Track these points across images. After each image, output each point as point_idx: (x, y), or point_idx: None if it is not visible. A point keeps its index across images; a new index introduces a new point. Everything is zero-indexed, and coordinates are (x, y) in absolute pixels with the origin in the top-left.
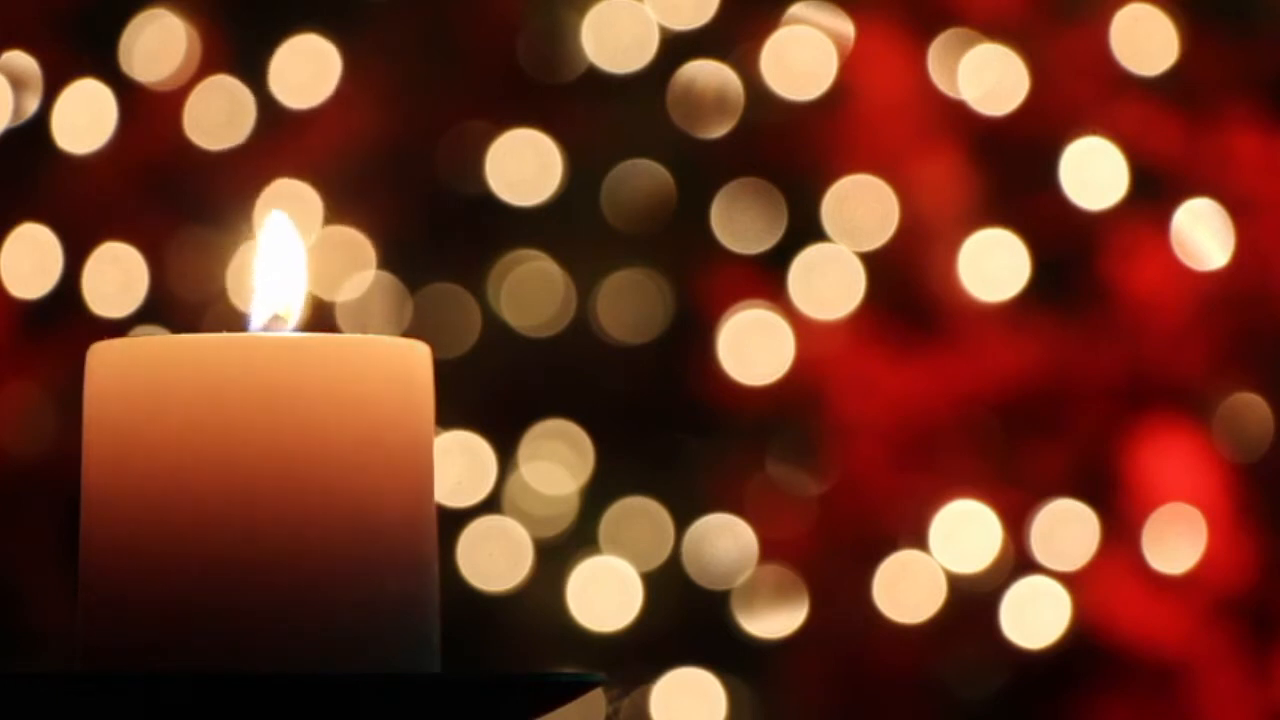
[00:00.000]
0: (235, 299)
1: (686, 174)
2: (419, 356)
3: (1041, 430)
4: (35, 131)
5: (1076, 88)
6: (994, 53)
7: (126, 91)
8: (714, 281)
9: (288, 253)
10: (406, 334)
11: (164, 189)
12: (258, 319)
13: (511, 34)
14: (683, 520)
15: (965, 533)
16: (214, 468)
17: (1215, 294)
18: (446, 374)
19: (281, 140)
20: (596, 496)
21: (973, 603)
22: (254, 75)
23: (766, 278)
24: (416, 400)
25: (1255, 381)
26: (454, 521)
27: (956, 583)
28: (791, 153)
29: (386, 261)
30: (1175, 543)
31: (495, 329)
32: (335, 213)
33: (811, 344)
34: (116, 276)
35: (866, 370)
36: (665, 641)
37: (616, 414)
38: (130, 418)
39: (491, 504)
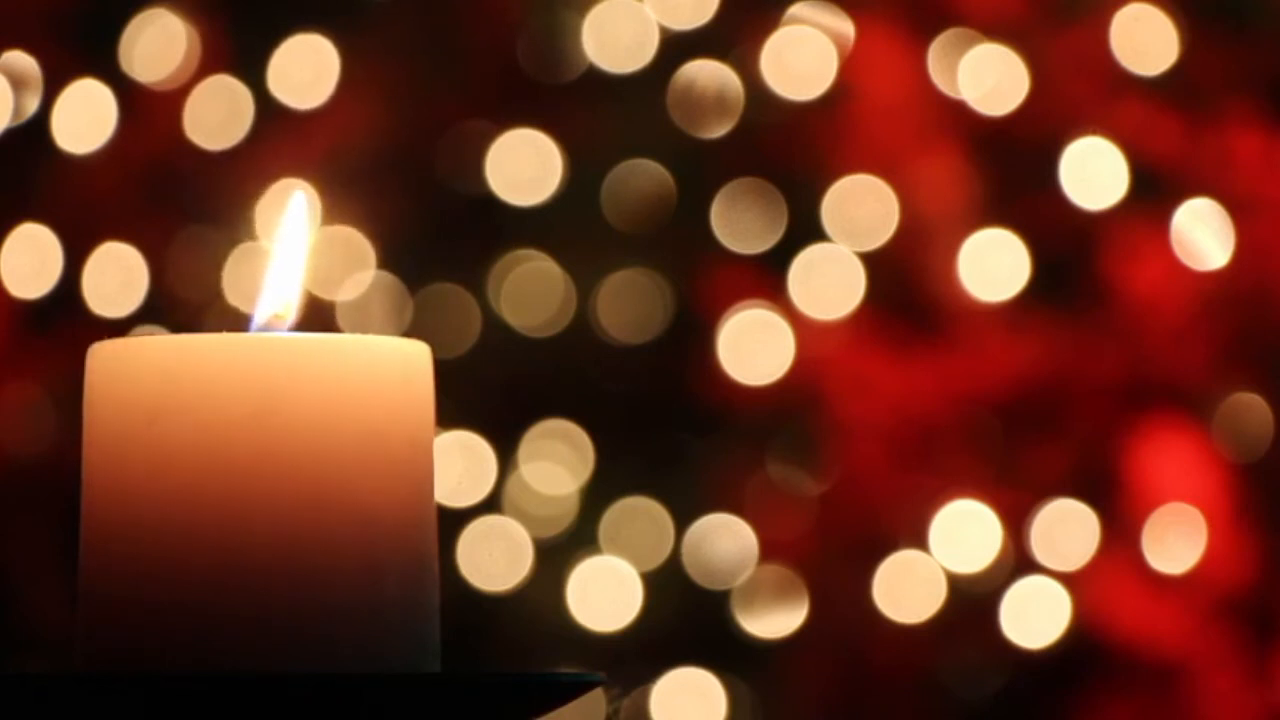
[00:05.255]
0: (235, 299)
1: (686, 174)
2: (419, 356)
3: (1041, 430)
4: (35, 131)
5: (1076, 88)
6: (994, 53)
7: (126, 91)
8: (714, 281)
9: (294, 245)
10: (406, 334)
11: (164, 189)
12: (260, 317)
13: (511, 34)
14: (683, 520)
15: (965, 533)
16: (214, 468)
17: (1215, 294)
18: (446, 374)
19: (281, 140)
20: (596, 496)
21: (973, 603)
22: (254, 75)
23: (766, 278)
24: (416, 400)
25: (1255, 381)
26: (454, 521)
27: (956, 583)
28: (791, 153)
29: (386, 261)
30: (1175, 543)
31: (495, 329)
32: (335, 213)
33: (811, 344)
34: (116, 276)
35: (866, 370)
36: (665, 641)
37: (616, 414)
38: (130, 418)
39: (491, 504)
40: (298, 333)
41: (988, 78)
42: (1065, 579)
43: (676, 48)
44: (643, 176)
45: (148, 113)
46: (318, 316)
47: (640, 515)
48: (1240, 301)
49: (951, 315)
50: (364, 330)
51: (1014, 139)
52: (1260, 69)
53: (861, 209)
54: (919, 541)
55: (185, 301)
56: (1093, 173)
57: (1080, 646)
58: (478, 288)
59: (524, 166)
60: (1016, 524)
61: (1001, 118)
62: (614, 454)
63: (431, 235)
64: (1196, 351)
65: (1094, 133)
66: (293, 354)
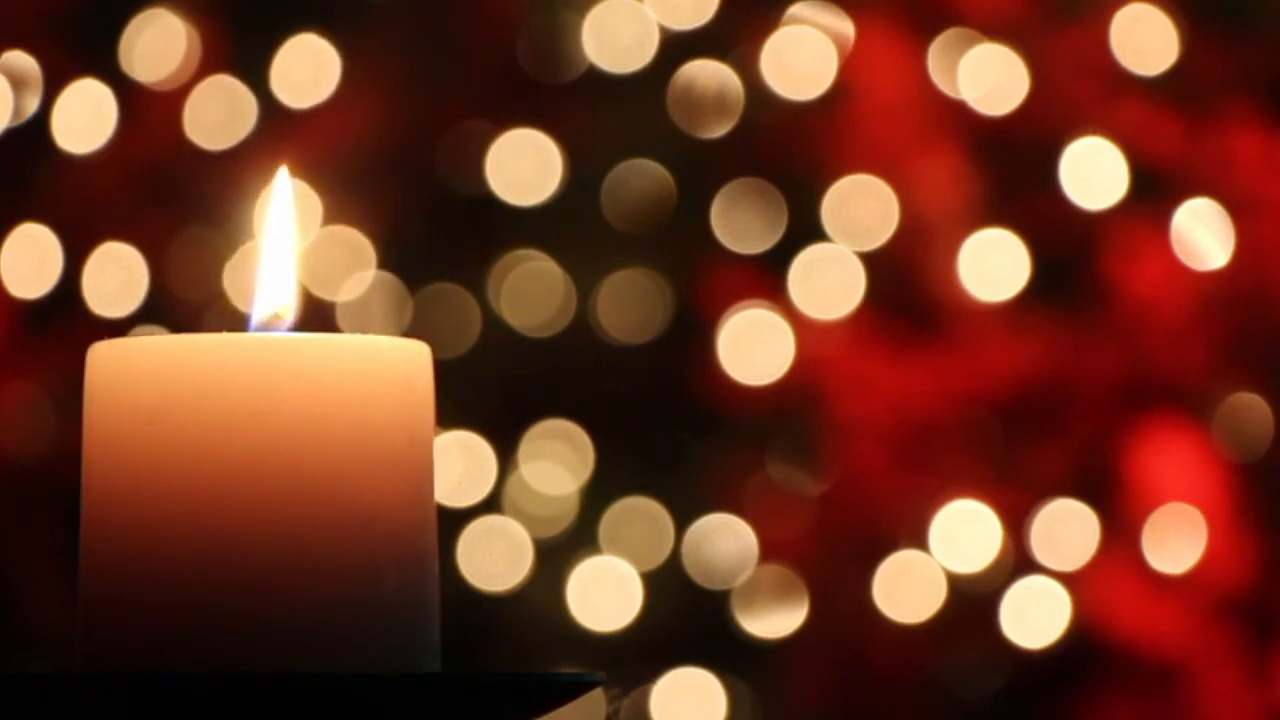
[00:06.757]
0: (235, 299)
1: (686, 174)
2: (419, 356)
3: (1041, 430)
4: (35, 131)
5: (1076, 88)
6: (994, 53)
7: (126, 91)
8: (714, 281)
9: (283, 233)
10: (406, 334)
11: (164, 189)
12: (258, 316)
13: (511, 34)
14: (683, 520)
15: (965, 533)
16: (214, 468)
17: (1215, 294)
18: (446, 374)
19: (281, 140)
20: (596, 496)
21: (973, 603)
22: (254, 75)
23: (766, 278)
24: (416, 400)
25: (1255, 381)
26: (454, 521)
27: (956, 583)
28: (791, 153)
29: (386, 261)
30: (1175, 543)
31: (495, 329)
32: (335, 212)
33: (811, 344)
34: (116, 276)
35: (866, 370)
36: (665, 641)
37: (616, 414)
38: (130, 418)
39: (491, 504)
40: (298, 333)
41: (988, 78)
42: (1065, 579)
43: (676, 48)
44: (643, 176)
45: (148, 113)
46: (318, 316)
47: (640, 515)
48: (1240, 301)
49: (951, 315)
50: (364, 330)
51: (1014, 139)
52: (1260, 69)
53: (861, 209)
54: (919, 541)
55: (185, 301)
56: (1093, 173)
57: (1080, 646)
58: (478, 288)
59: (524, 166)
60: (1016, 524)
61: (1001, 118)
62: (614, 454)
63: (431, 235)
64: (1196, 351)
65: (1094, 133)
66: (293, 354)
